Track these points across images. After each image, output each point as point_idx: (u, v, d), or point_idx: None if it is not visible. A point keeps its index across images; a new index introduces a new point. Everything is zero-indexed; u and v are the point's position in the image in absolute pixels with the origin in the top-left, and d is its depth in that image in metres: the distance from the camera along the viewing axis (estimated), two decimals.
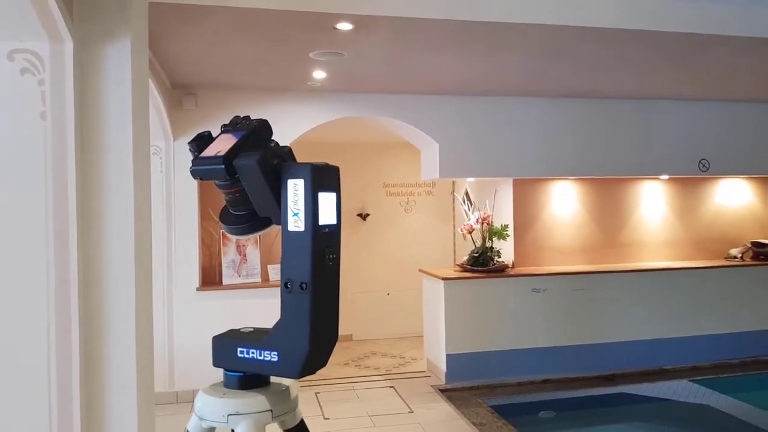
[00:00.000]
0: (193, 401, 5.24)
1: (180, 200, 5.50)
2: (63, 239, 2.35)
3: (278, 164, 1.38)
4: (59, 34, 2.27)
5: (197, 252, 5.57)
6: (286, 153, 1.44)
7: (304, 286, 1.34)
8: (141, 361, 2.50)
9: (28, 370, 2.36)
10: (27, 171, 2.35)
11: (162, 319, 5.38)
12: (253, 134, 1.40)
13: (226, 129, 1.43)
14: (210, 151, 1.37)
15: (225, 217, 1.48)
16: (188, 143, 1.45)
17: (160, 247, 5.34)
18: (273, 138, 1.46)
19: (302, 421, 1.50)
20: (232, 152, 1.34)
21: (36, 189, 2.34)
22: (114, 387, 2.45)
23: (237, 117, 1.47)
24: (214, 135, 1.46)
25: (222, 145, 1.38)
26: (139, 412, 2.48)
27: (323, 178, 1.37)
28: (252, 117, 1.47)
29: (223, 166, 1.34)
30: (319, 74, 5.07)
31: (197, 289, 5.52)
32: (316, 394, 5.62)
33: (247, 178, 1.37)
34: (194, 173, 1.40)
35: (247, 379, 1.43)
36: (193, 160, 1.40)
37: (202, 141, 1.43)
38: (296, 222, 1.34)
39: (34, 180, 2.35)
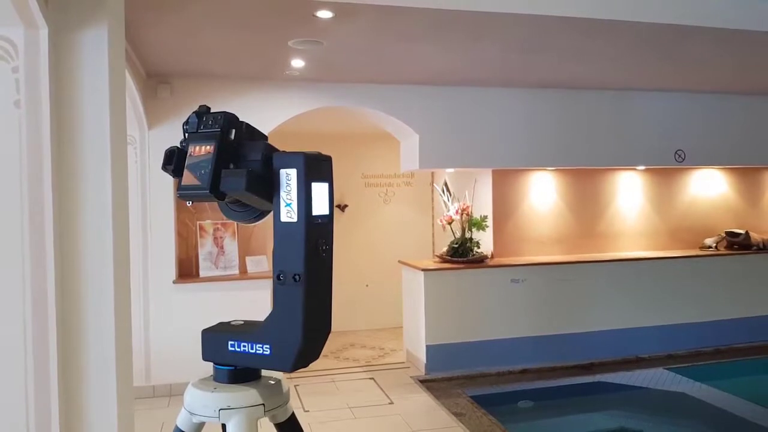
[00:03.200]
0: (169, 395, 5.12)
1: (155, 191, 5.41)
2: (39, 230, 2.29)
3: (264, 172, 1.34)
4: (34, 19, 2.20)
5: (173, 244, 5.49)
6: (246, 132, 1.41)
7: (297, 278, 1.31)
8: (120, 355, 2.45)
9: (4, 364, 2.30)
10: (1, 161, 2.28)
11: (138, 312, 5.29)
12: (225, 142, 1.35)
13: (191, 135, 1.38)
14: (191, 178, 1.34)
15: (227, 212, 1.44)
16: (162, 168, 1.41)
17: (136, 239, 5.24)
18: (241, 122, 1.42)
19: (293, 415, 1.48)
20: (215, 179, 1.32)
21: (11, 179, 2.28)
22: (93, 382, 2.40)
23: (196, 115, 1.40)
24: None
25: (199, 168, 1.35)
26: (118, 407, 2.43)
27: (316, 168, 1.34)
28: (219, 107, 1.42)
29: (210, 194, 1.32)
30: (297, 63, 5.01)
31: (174, 282, 5.45)
32: (295, 386, 5.59)
33: (237, 196, 1.36)
34: (183, 198, 1.38)
35: (237, 372, 1.40)
36: (178, 189, 1.38)
37: (176, 159, 1.38)
38: (289, 213, 1.31)
39: (8, 170, 2.28)
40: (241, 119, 1.41)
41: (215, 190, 1.31)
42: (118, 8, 2.55)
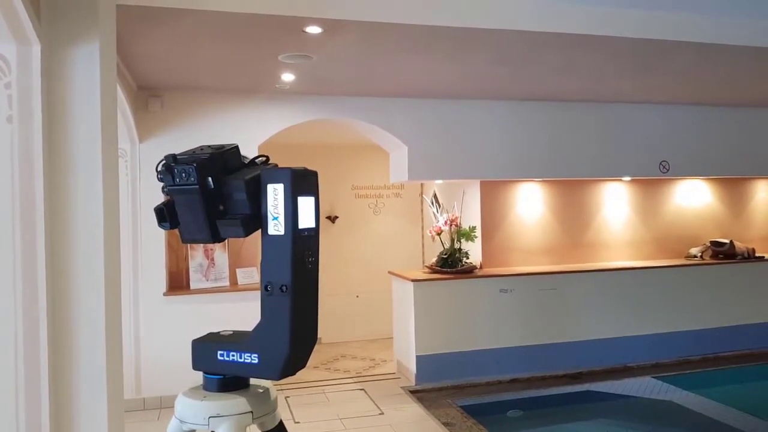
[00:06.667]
0: (160, 408, 5.10)
1: (145, 203, 5.42)
2: (30, 243, 2.31)
3: (254, 210, 1.41)
4: (26, 35, 2.24)
5: (164, 256, 5.50)
6: (233, 154, 1.47)
7: (284, 288, 1.35)
8: (110, 367, 2.47)
9: None
10: None
11: (128, 324, 5.29)
12: (207, 193, 1.40)
13: (171, 190, 1.43)
14: (191, 231, 1.44)
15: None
16: (159, 226, 1.49)
17: (126, 252, 5.25)
18: (219, 153, 1.45)
19: (281, 423, 1.51)
20: (214, 231, 1.42)
21: (2, 194, 2.30)
22: (83, 394, 2.41)
23: (166, 168, 1.42)
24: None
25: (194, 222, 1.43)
26: (109, 420, 2.45)
27: (302, 182, 1.39)
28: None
29: (214, 242, 1.44)
30: (287, 77, 5.06)
31: (164, 294, 5.45)
32: (285, 398, 5.60)
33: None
34: (188, 242, 1.50)
35: (227, 381, 1.43)
36: (182, 238, 1.48)
37: (168, 215, 1.45)
38: (276, 226, 1.36)
39: (0, 185, 2.30)
40: (208, 143, 1.47)
41: (218, 239, 1.43)
42: (109, 25, 2.59)
